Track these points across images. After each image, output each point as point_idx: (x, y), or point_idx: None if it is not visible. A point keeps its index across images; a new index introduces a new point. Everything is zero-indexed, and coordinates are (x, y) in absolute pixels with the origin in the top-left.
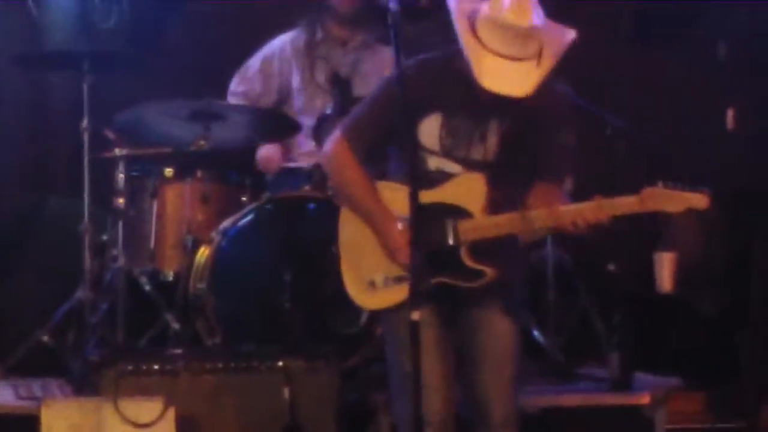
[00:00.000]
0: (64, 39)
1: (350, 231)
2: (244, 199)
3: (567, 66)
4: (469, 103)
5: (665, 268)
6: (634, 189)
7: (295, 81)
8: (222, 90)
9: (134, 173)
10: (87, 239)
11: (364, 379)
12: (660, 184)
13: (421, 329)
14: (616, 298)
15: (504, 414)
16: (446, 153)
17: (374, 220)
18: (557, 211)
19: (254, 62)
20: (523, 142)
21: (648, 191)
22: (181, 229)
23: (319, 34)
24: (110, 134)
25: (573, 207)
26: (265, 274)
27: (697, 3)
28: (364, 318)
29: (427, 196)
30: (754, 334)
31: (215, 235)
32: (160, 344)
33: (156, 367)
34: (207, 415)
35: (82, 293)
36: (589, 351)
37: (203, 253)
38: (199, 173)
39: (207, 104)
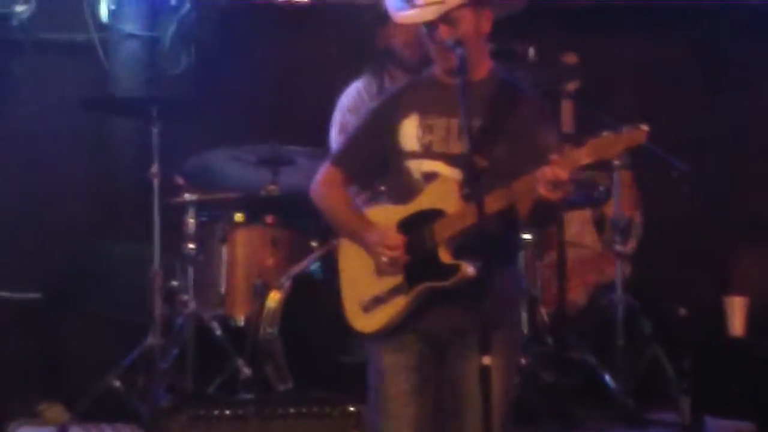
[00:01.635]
0: (132, 86)
1: (347, 259)
2: (313, 244)
3: (637, 112)
4: (443, 102)
5: (736, 312)
6: (697, 229)
7: None
8: (292, 133)
9: (204, 218)
10: (157, 285)
11: None
12: (604, 133)
13: (398, 372)
14: (686, 343)
15: None
16: (426, 151)
17: (359, 235)
18: (522, 180)
19: (335, 116)
20: (497, 140)
21: (592, 141)
22: (251, 274)
23: (387, 82)
24: (180, 180)
25: (535, 172)
26: (335, 319)
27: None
28: None
29: (405, 209)
30: None
31: (285, 281)
32: (230, 390)
33: (227, 412)
34: None
35: (152, 339)
36: (660, 396)
37: (273, 298)
38: (268, 218)
39: (276, 149)
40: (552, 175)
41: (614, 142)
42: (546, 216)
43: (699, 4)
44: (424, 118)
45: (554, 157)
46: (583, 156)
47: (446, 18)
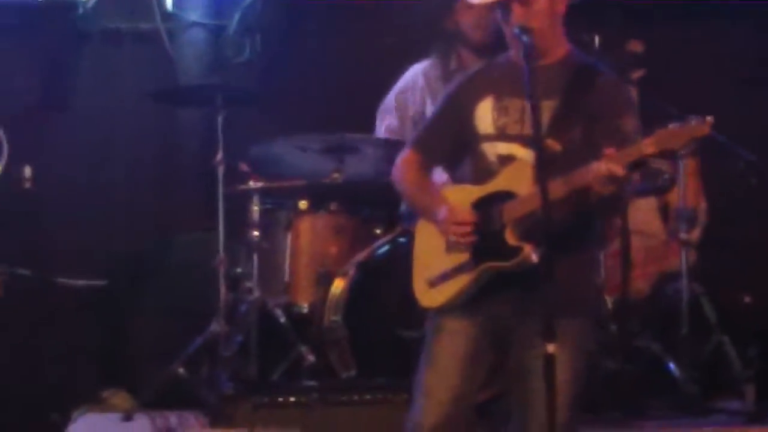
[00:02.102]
0: (197, 73)
1: (421, 238)
2: (377, 231)
3: (702, 101)
4: (517, 84)
5: None
6: (762, 217)
7: (429, 111)
8: (356, 122)
9: (268, 206)
10: (221, 272)
11: (495, 414)
12: (670, 124)
13: (449, 336)
14: (751, 331)
15: None
16: (501, 133)
17: (431, 211)
18: (580, 171)
19: (390, 97)
20: (574, 123)
21: (658, 131)
22: (315, 261)
23: (453, 64)
24: (244, 167)
25: (591, 165)
26: (399, 306)
27: None
28: None
29: (480, 190)
30: None
31: (350, 268)
32: (294, 377)
33: (291, 399)
34: None
35: (216, 326)
36: (724, 384)
37: (338, 285)
38: (332, 206)
39: (341, 138)
40: (606, 170)
41: (680, 133)
42: (607, 206)
43: None
44: (499, 100)
45: (608, 151)
46: (648, 147)
47: None
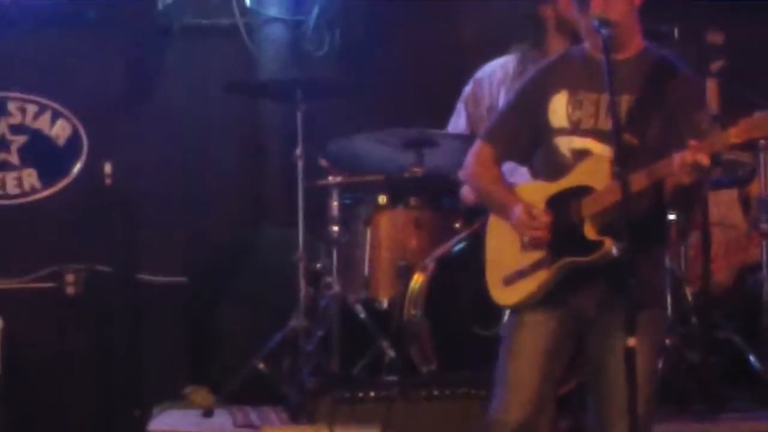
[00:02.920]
0: (277, 68)
1: (494, 234)
2: (457, 225)
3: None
4: (593, 78)
5: None
6: None
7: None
8: (435, 116)
9: (348, 201)
10: (301, 267)
11: (577, 405)
12: (755, 113)
13: (530, 330)
14: None
15: None
16: (575, 127)
17: (505, 210)
18: (663, 161)
19: (467, 87)
20: (651, 117)
21: (744, 120)
22: (395, 256)
23: (541, 53)
24: (324, 162)
25: (674, 156)
26: (480, 300)
27: None
28: None
29: (556, 186)
30: None
31: (429, 262)
32: (375, 372)
33: (372, 394)
34: None
35: (296, 321)
36: None
37: (417, 280)
38: (412, 200)
39: (420, 132)
40: (691, 159)
41: (765, 122)
42: (687, 199)
43: None
44: (574, 94)
45: (693, 142)
46: (733, 136)
47: None
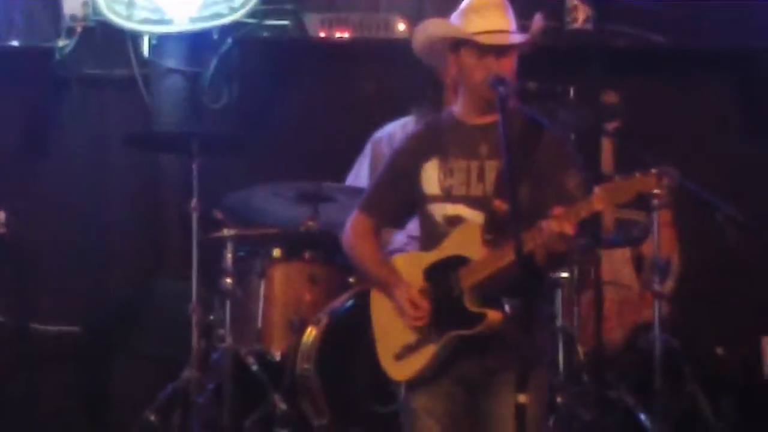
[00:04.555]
0: (174, 120)
1: (379, 308)
2: (351, 280)
3: (677, 154)
4: (463, 144)
5: None
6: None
7: None
8: (332, 171)
9: (242, 254)
10: (195, 319)
11: None
12: (615, 178)
13: (429, 414)
14: (724, 383)
15: None
16: (447, 194)
17: (386, 289)
18: (529, 233)
19: (367, 146)
20: (521, 180)
21: (602, 187)
22: (289, 309)
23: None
24: (219, 215)
25: (541, 224)
26: (372, 355)
27: None
28: None
29: (432, 256)
30: None
31: (323, 316)
32: (266, 425)
33: None
34: None
35: (188, 373)
36: None
37: (310, 333)
38: (307, 254)
39: (315, 186)
40: (557, 228)
41: (626, 187)
42: (559, 262)
43: (742, 46)
44: (445, 162)
45: (557, 210)
46: (597, 203)
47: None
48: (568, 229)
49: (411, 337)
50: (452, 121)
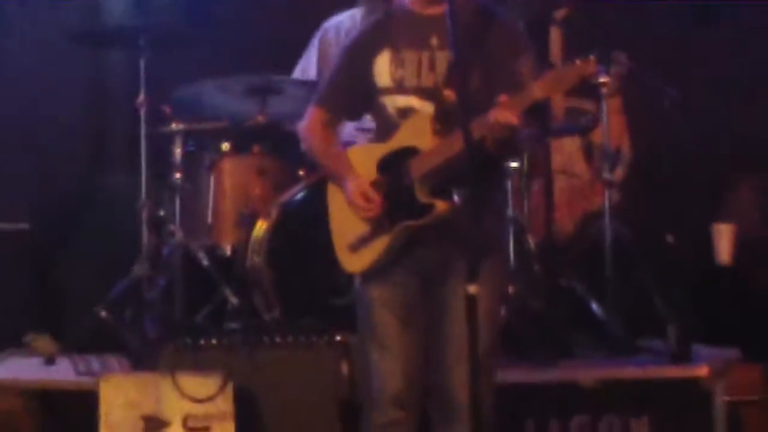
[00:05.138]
0: (121, 16)
1: (334, 200)
2: (301, 173)
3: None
4: (415, 35)
5: (723, 240)
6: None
7: None
8: (279, 64)
9: (191, 148)
10: (144, 215)
11: None
12: (557, 65)
13: (385, 304)
14: (674, 271)
15: (468, 401)
16: (399, 86)
17: (340, 182)
18: (476, 121)
19: (316, 35)
20: (471, 70)
21: (546, 74)
22: (238, 203)
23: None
24: (167, 109)
25: (487, 115)
26: (322, 247)
27: None
28: None
29: (384, 148)
30: None
31: (273, 209)
32: (218, 319)
33: (214, 341)
34: (265, 390)
35: (139, 269)
36: (648, 324)
37: (261, 227)
38: (256, 148)
39: (264, 79)
40: (503, 118)
41: (567, 74)
42: (508, 149)
43: None
44: (396, 53)
45: (502, 98)
46: (537, 91)
47: None
48: (512, 118)
49: (365, 229)
50: (403, 11)
